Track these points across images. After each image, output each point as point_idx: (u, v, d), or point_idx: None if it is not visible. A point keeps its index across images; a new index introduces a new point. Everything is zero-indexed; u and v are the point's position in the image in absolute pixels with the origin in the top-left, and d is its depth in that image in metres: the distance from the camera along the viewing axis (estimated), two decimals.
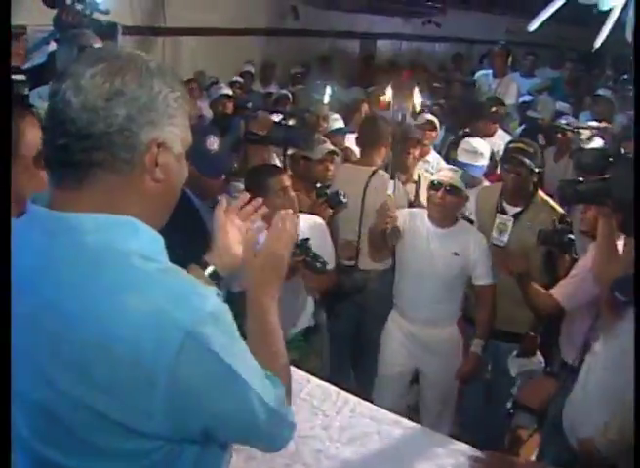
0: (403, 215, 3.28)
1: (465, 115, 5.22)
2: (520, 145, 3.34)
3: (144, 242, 1.06)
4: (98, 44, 3.28)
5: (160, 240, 1.09)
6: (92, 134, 1.00)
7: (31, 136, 1.69)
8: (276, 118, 3.70)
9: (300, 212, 3.02)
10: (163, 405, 0.97)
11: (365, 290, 3.64)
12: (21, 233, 1.07)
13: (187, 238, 1.24)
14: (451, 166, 3.38)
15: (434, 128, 4.68)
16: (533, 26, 3.49)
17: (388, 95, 4.10)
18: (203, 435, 1.06)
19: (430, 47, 10.96)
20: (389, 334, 3.36)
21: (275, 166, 3.14)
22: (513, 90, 6.29)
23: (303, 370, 2.59)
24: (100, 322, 0.97)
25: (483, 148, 3.88)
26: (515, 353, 3.21)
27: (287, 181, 2.90)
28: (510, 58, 6.43)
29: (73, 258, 1.01)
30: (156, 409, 0.97)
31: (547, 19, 3.66)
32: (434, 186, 3.17)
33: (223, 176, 2.76)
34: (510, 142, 3.59)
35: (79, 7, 3.82)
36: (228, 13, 7.52)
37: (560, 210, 3.30)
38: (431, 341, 3.26)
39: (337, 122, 4.61)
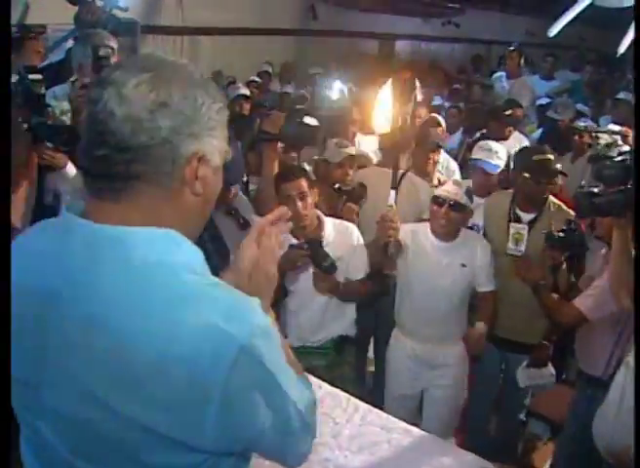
0: (405, 232, 3.01)
1: (483, 118, 5.17)
2: (546, 156, 3.24)
3: (189, 256, 1.04)
4: (113, 43, 3.26)
5: (200, 253, 1.06)
6: (134, 146, 0.97)
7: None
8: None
9: (331, 216, 3.10)
10: (216, 419, 0.95)
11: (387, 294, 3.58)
12: (57, 242, 1.03)
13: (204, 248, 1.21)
14: (456, 178, 3.29)
15: (438, 124, 4.64)
16: (553, 31, 3.46)
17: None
18: (245, 447, 1.06)
19: (449, 48, 10.90)
20: (393, 355, 3.20)
21: (293, 170, 3.08)
22: (528, 91, 6.24)
23: (329, 378, 2.58)
24: (155, 339, 0.94)
25: (500, 149, 3.81)
26: (525, 364, 3.17)
27: (303, 187, 2.87)
28: (523, 60, 6.40)
29: (122, 273, 0.98)
30: (209, 424, 0.96)
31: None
32: (437, 201, 3.01)
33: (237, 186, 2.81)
34: (533, 152, 3.46)
35: (99, 4, 3.82)
36: (247, 12, 7.52)
37: (572, 213, 3.25)
38: (437, 361, 3.09)
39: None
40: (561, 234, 2.95)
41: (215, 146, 1.05)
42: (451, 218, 2.99)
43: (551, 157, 3.24)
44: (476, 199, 3.64)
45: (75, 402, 0.98)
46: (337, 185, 3.51)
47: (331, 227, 3.00)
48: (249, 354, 0.95)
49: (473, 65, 9.18)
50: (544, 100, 5.96)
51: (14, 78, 3.88)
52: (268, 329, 1.01)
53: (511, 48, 6.56)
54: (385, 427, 2.16)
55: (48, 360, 1.00)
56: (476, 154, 3.80)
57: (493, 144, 3.87)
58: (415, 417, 3.11)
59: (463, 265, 3.03)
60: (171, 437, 0.96)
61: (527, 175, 3.17)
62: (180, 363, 0.93)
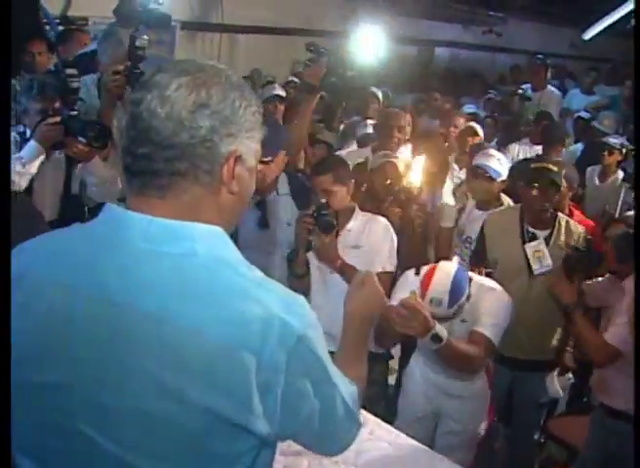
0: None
1: (517, 129, 5.11)
2: (544, 165, 3.18)
3: (236, 251, 1.10)
4: (148, 35, 3.26)
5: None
6: (175, 144, 1.02)
7: None
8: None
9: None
10: (275, 405, 1.02)
11: None
12: (111, 237, 1.06)
13: None
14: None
15: (475, 134, 4.64)
16: (588, 35, 3.44)
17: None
18: (293, 433, 1.12)
19: (490, 57, 10.77)
20: (409, 378, 2.97)
21: (321, 165, 3.09)
22: (556, 104, 6.14)
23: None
24: (222, 329, 0.99)
25: (501, 157, 3.74)
26: (557, 372, 3.19)
27: (326, 184, 2.89)
28: (549, 73, 6.30)
29: (186, 267, 1.03)
30: (269, 410, 1.02)
31: (610, 34, 3.59)
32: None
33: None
34: (531, 161, 3.51)
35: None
36: (287, 12, 7.51)
37: (581, 229, 3.19)
38: (453, 391, 2.82)
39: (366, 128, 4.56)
40: (578, 254, 2.83)
41: (251, 148, 1.11)
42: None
43: (551, 167, 3.15)
44: (477, 212, 3.64)
45: (142, 394, 1.00)
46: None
47: (360, 218, 3.02)
48: (305, 344, 1.04)
49: (512, 75, 9.06)
50: (585, 114, 5.86)
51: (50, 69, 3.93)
52: (317, 322, 1.09)
53: (537, 60, 6.44)
54: (394, 443, 2.12)
55: (108, 356, 1.01)
56: (477, 160, 3.72)
57: (494, 152, 3.83)
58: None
59: (463, 321, 2.68)
60: (237, 422, 1.00)
61: (521, 183, 3.16)
62: (245, 350, 0.99)
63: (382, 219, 3.05)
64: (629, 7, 5.40)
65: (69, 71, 3.06)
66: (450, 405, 2.82)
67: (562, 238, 3.14)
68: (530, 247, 3.08)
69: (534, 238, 3.13)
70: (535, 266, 3.05)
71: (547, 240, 3.13)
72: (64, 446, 1.06)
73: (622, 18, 5.67)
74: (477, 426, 2.85)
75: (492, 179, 3.59)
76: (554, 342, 3.21)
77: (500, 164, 3.63)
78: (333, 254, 2.87)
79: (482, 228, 3.35)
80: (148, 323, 1.01)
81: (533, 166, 3.25)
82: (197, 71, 1.06)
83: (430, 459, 2.11)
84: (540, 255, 3.06)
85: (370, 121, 4.91)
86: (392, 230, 3.04)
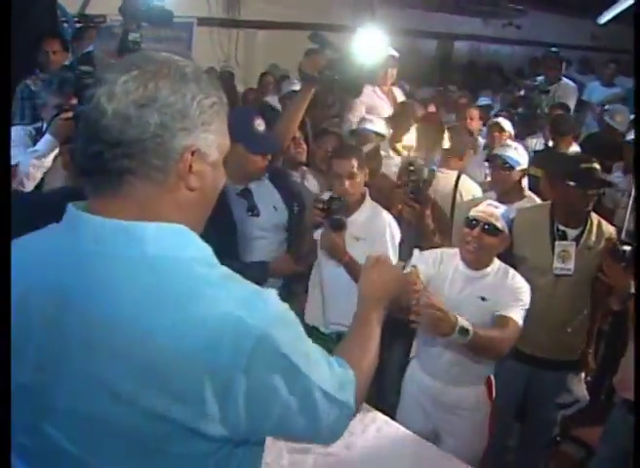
0: (433, 258, 2.75)
1: (535, 122, 5.05)
2: (593, 165, 3.07)
3: (199, 249, 1.06)
4: (137, 33, 3.30)
5: (208, 246, 1.08)
6: (124, 141, 0.99)
7: None
8: None
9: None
10: (237, 408, 0.98)
11: None
12: (67, 239, 1.04)
13: (217, 235, 1.23)
14: (492, 201, 2.85)
15: (501, 129, 4.59)
16: (603, 19, 3.38)
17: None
18: (271, 433, 1.10)
19: (509, 50, 10.66)
20: (407, 389, 2.87)
21: (346, 149, 3.14)
22: (572, 96, 6.06)
23: None
24: (174, 332, 0.96)
25: (518, 147, 3.63)
26: (583, 376, 3.13)
27: (353, 167, 2.94)
28: (564, 65, 6.19)
29: (137, 269, 1.00)
30: (231, 413, 0.98)
31: (631, 24, 3.50)
32: (470, 223, 2.67)
33: (269, 156, 2.86)
34: (579, 160, 3.29)
35: None
36: (305, 8, 7.50)
37: (612, 229, 3.13)
38: (452, 402, 2.72)
39: (370, 123, 4.48)
40: (627, 248, 2.72)
41: (211, 141, 1.06)
42: (483, 243, 2.64)
43: (598, 166, 3.07)
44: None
45: (95, 399, 0.99)
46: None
47: (368, 208, 3.04)
48: (267, 343, 0.98)
49: (531, 69, 8.96)
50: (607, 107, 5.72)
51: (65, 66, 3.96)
52: (286, 316, 1.05)
53: (551, 52, 6.34)
54: (401, 441, 2.11)
55: (62, 360, 1.00)
56: (495, 151, 3.64)
57: (511, 142, 3.74)
58: None
59: (483, 299, 2.64)
60: (192, 427, 0.97)
61: (572, 183, 2.99)
62: (199, 353, 0.95)
63: (386, 214, 3.06)
64: None
65: (83, 68, 3.10)
66: (448, 420, 2.71)
67: (593, 238, 3.06)
68: (560, 245, 3.00)
69: (564, 236, 3.05)
70: (556, 265, 2.97)
71: (578, 239, 3.07)
72: (36, 446, 1.07)
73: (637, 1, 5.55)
74: (477, 443, 2.73)
75: (511, 169, 3.49)
76: (577, 343, 3.14)
77: (517, 153, 3.54)
78: (340, 250, 2.89)
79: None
80: (101, 327, 0.98)
81: (584, 166, 3.09)
82: (146, 64, 1.02)
83: (438, 458, 2.09)
84: (566, 256, 2.99)
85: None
86: (395, 225, 3.05)
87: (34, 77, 4.07)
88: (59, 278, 1.02)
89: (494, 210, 2.69)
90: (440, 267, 2.73)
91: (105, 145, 1.00)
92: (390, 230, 3.02)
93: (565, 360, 3.14)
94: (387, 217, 3.04)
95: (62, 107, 2.96)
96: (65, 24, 5.29)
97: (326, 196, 2.96)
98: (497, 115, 5.45)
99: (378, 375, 3.30)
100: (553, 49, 6.45)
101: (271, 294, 1.05)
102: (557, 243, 3.02)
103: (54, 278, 1.02)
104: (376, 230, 2.98)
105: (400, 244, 3.05)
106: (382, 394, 3.42)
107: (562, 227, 3.07)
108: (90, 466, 1.02)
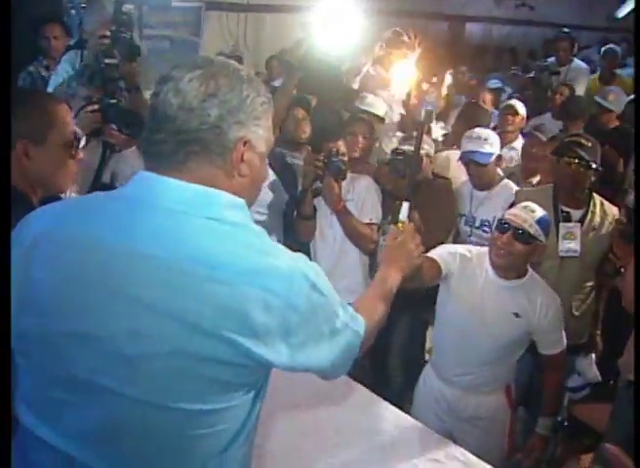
0: (451, 253, 2.61)
1: (545, 104, 4.99)
2: (577, 138, 3.06)
3: (253, 222, 1.23)
4: (130, 6, 3.43)
5: None
6: (187, 129, 1.15)
7: (61, 125, 1.73)
8: None
9: None
10: (296, 341, 1.17)
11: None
12: (143, 198, 1.17)
13: None
14: (529, 204, 2.64)
15: (515, 112, 4.50)
16: (622, 13, 3.32)
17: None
18: (308, 364, 1.25)
19: (522, 31, 10.51)
20: (420, 396, 2.78)
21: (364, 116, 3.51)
22: (583, 78, 5.97)
23: None
24: (254, 280, 1.12)
25: (490, 135, 3.45)
26: (593, 360, 3.03)
27: (368, 131, 3.42)
28: (576, 46, 6.10)
29: (216, 229, 1.15)
30: (290, 345, 1.17)
31: None
32: (501, 226, 2.51)
33: None
34: (567, 136, 3.35)
35: None
36: None
37: (615, 210, 3.10)
38: (467, 412, 2.62)
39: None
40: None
41: (260, 135, 1.23)
42: (513, 250, 2.47)
43: (583, 141, 3.02)
44: (478, 193, 3.48)
45: (175, 335, 1.11)
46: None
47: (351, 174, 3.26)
48: (317, 287, 1.21)
49: (543, 50, 8.85)
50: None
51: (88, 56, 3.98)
52: (318, 267, 1.26)
53: (562, 34, 6.24)
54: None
55: (138, 308, 1.11)
56: (464, 146, 3.45)
57: (481, 131, 3.49)
58: None
59: (517, 315, 2.53)
60: (251, 353, 1.13)
61: (557, 157, 3.03)
62: (273, 295, 1.13)
63: (366, 176, 3.34)
64: None
65: (108, 61, 3.14)
66: (464, 429, 2.58)
67: (597, 219, 3.05)
68: (565, 227, 2.97)
69: (568, 218, 3.03)
70: (562, 246, 2.95)
71: (582, 220, 3.05)
72: (72, 397, 1.15)
73: None
74: (494, 453, 2.55)
75: (484, 165, 3.37)
76: (584, 326, 3.12)
77: (489, 144, 3.38)
78: (337, 197, 3.13)
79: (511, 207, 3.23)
80: (185, 275, 1.11)
81: (567, 139, 3.14)
82: (208, 65, 1.19)
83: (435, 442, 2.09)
84: (570, 237, 2.97)
85: None
86: (376, 185, 3.33)
87: (36, 64, 4.09)
88: (139, 233, 1.14)
89: (528, 214, 2.51)
90: (463, 265, 2.59)
91: (170, 134, 1.15)
92: (371, 189, 3.31)
93: (573, 344, 3.13)
94: (367, 178, 3.34)
95: (91, 99, 3.00)
96: (72, 11, 5.28)
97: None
98: (509, 97, 5.41)
99: (380, 358, 3.31)
100: (565, 29, 6.36)
101: (304, 255, 1.26)
102: (561, 224, 2.99)
103: (133, 233, 1.14)
104: (359, 190, 3.26)
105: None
106: (386, 379, 3.45)
107: (566, 209, 3.05)
108: (149, 406, 1.13)
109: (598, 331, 3.23)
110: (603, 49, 6.50)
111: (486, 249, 2.62)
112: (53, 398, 1.17)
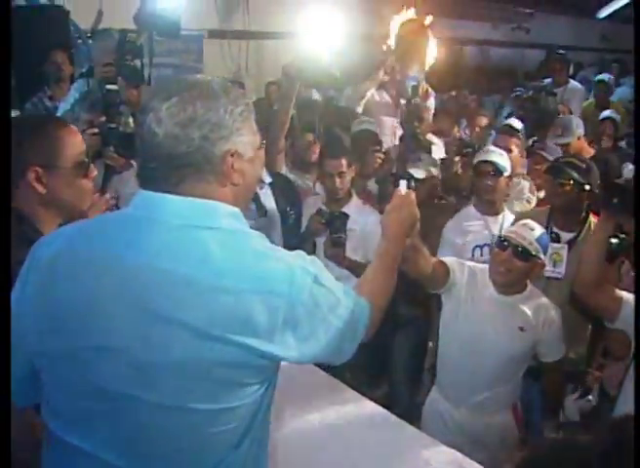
0: (460, 268, 2.62)
1: (544, 125, 5.04)
2: (571, 159, 3.09)
3: (249, 228, 1.31)
4: (134, 34, 3.58)
5: None
6: (175, 154, 1.22)
7: (69, 147, 1.75)
8: None
9: None
10: (303, 333, 1.25)
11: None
12: (148, 217, 1.23)
13: None
14: (529, 222, 2.66)
15: (514, 131, 4.35)
16: (603, 14, 3.39)
17: None
18: (318, 356, 1.32)
19: (519, 53, 10.66)
20: (427, 420, 2.74)
21: (337, 148, 3.41)
22: (579, 99, 6.06)
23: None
24: (255, 284, 1.20)
25: (503, 152, 3.39)
26: (577, 395, 2.91)
27: (343, 166, 3.24)
28: (571, 67, 6.17)
29: (216, 239, 1.21)
30: (298, 338, 1.24)
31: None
32: (501, 244, 2.54)
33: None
34: (561, 157, 3.36)
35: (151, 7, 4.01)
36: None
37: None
38: (478, 433, 2.58)
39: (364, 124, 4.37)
40: (614, 241, 2.57)
41: (245, 142, 1.29)
42: (512, 266, 2.50)
43: (577, 162, 3.03)
44: (478, 215, 3.36)
45: (179, 343, 1.17)
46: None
47: (354, 204, 3.33)
48: (318, 280, 1.28)
49: (539, 71, 8.96)
50: (607, 113, 5.61)
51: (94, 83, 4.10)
52: (319, 262, 1.34)
53: (557, 55, 6.33)
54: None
55: (150, 319, 1.18)
56: (479, 157, 3.37)
57: (492, 147, 3.49)
58: None
59: (522, 329, 2.55)
60: (262, 352, 1.20)
61: (550, 176, 3.06)
62: (275, 294, 1.21)
63: (375, 212, 3.27)
64: None
65: (110, 87, 3.25)
66: (472, 448, 2.44)
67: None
68: (552, 247, 2.89)
69: (557, 239, 2.99)
70: (547, 267, 2.86)
71: (571, 243, 3.01)
72: (100, 406, 1.21)
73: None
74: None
75: (498, 175, 3.26)
76: (571, 354, 2.98)
77: (503, 158, 3.31)
78: (341, 260, 3.15)
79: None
80: (190, 285, 1.18)
81: (561, 160, 3.15)
82: (183, 90, 1.24)
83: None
84: (557, 259, 2.93)
85: None
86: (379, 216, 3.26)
87: (40, 95, 4.20)
88: (146, 249, 1.21)
89: (528, 232, 2.54)
90: (471, 282, 2.61)
91: (160, 161, 1.23)
92: (376, 221, 3.15)
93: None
94: (375, 213, 3.24)
95: (92, 124, 3.11)
96: (79, 40, 5.40)
97: (327, 210, 3.23)
98: (507, 117, 5.48)
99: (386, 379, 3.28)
100: (560, 51, 6.45)
101: (302, 252, 1.34)
102: (549, 244, 2.88)
103: (141, 249, 1.21)
104: (369, 227, 3.17)
105: None
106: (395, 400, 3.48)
107: (556, 230, 3.01)
108: (170, 409, 1.20)
109: (590, 370, 3.06)
110: (596, 78, 6.59)
111: (487, 266, 2.64)
112: (83, 409, 1.24)
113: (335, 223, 3.14)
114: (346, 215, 3.17)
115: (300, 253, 1.34)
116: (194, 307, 1.18)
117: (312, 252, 3.24)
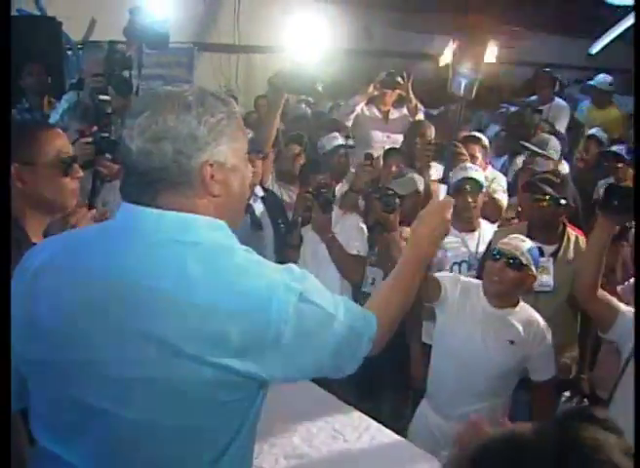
0: (453, 280, 2.73)
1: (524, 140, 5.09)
2: (546, 175, 3.16)
3: (236, 241, 1.28)
4: (122, 46, 3.57)
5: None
6: (151, 169, 1.21)
7: (48, 146, 1.81)
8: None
9: None
10: (288, 351, 1.21)
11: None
12: (128, 229, 1.23)
13: None
14: (519, 235, 2.77)
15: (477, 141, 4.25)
16: (595, 49, 3.43)
17: None
18: (309, 373, 1.33)
19: (509, 70, 10.75)
20: (415, 432, 2.73)
21: (317, 165, 3.67)
22: (564, 116, 6.11)
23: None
24: (235, 301, 1.17)
25: (479, 169, 3.47)
26: (565, 399, 3.02)
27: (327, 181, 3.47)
28: (558, 85, 6.23)
29: (196, 253, 1.19)
30: (282, 356, 1.21)
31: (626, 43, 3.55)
32: (493, 256, 2.63)
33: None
34: (536, 173, 3.44)
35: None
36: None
37: None
38: None
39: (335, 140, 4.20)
40: None
41: (225, 151, 1.25)
42: (505, 277, 2.57)
43: (552, 178, 3.11)
44: (458, 234, 3.34)
45: (160, 361, 1.16)
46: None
47: (335, 212, 3.46)
48: (305, 296, 1.24)
49: (525, 88, 9.05)
50: (595, 131, 5.58)
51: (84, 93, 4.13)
52: (310, 276, 1.30)
53: (543, 72, 6.38)
54: (394, 447, 2.16)
55: (126, 334, 1.17)
56: (459, 174, 3.33)
57: (467, 164, 3.49)
58: None
59: (512, 342, 2.59)
60: (243, 373, 1.18)
61: (526, 193, 3.12)
62: (256, 312, 1.18)
63: (354, 214, 3.52)
64: (631, 20, 5.38)
65: (102, 97, 3.28)
66: None
67: (570, 254, 3.08)
68: None
69: (540, 253, 2.94)
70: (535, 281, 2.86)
71: (554, 255, 3.07)
72: (79, 419, 1.21)
73: (627, 30, 5.63)
74: None
75: (478, 191, 3.31)
76: (560, 359, 3.01)
77: (479, 174, 3.37)
78: (327, 227, 3.31)
79: (488, 247, 3.16)
80: (167, 301, 1.16)
81: (536, 177, 3.21)
82: (153, 105, 1.22)
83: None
84: (544, 272, 2.97)
85: None
86: (362, 224, 3.49)
87: (19, 107, 4.26)
88: (125, 263, 1.20)
89: (519, 243, 2.62)
90: (463, 296, 2.66)
91: (138, 176, 1.23)
92: (359, 225, 3.47)
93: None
94: (356, 217, 3.52)
95: (84, 133, 3.12)
96: (70, 52, 5.43)
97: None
98: (496, 134, 5.55)
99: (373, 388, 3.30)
100: (545, 69, 6.52)
101: (293, 266, 1.30)
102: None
103: (120, 264, 1.20)
104: (348, 228, 3.44)
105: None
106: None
107: (538, 244, 2.97)
108: (145, 426, 1.19)
109: (583, 376, 3.16)
110: (590, 83, 6.68)
111: (480, 281, 2.70)
112: (64, 420, 1.24)
113: (321, 195, 3.29)
114: (333, 190, 3.40)
115: (291, 267, 1.30)
116: (170, 324, 1.16)
117: (298, 246, 3.41)
